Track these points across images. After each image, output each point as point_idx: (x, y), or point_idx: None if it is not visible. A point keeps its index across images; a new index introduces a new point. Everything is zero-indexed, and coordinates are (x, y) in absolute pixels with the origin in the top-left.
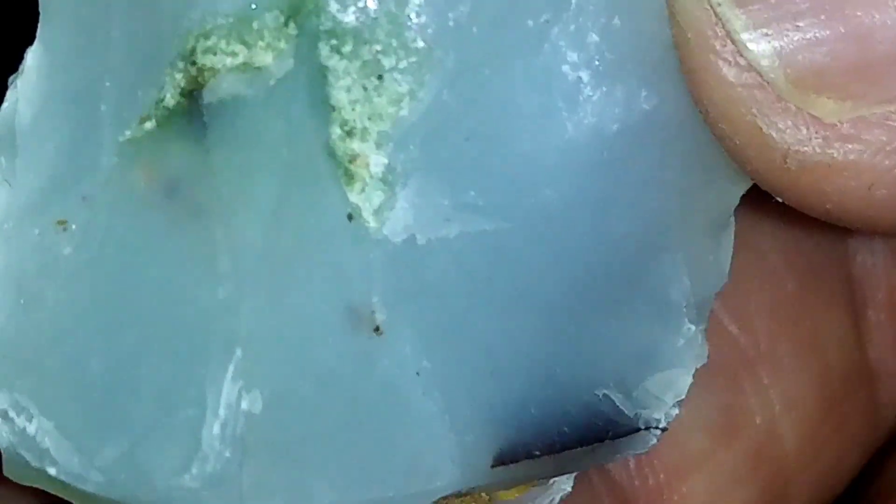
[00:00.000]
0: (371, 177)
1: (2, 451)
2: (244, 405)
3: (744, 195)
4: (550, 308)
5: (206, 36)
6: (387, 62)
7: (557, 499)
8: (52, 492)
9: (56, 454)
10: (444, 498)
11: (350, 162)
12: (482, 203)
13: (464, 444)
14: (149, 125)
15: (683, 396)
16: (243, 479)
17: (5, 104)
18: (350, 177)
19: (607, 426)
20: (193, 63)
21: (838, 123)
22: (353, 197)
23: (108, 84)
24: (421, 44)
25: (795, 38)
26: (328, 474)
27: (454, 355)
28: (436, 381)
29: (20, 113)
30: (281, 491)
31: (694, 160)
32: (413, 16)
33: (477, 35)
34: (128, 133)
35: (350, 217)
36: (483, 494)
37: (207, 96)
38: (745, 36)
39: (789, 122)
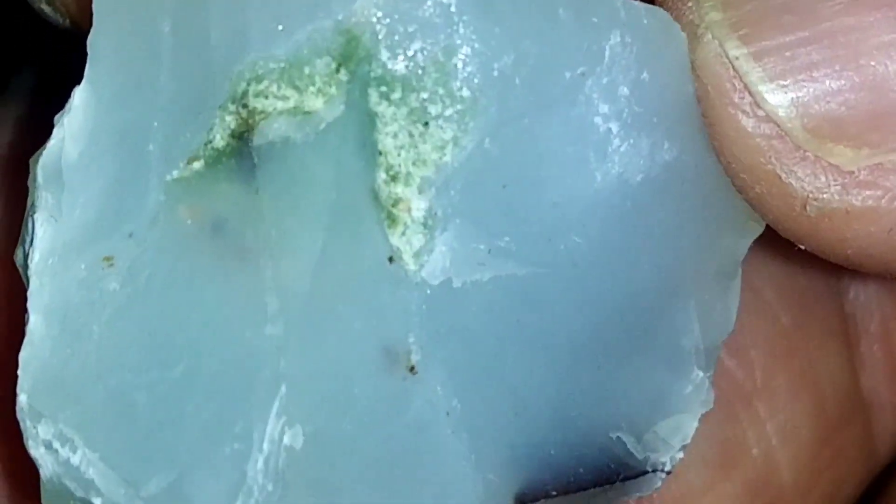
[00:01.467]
0: (412, 220)
1: (43, 482)
2: (286, 440)
3: None
4: (573, 352)
5: (259, 80)
6: (433, 109)
7: None
8: None
9: (101, 485)
10: None
11: (393, 206)
12: (515, 248)
13: (487, 483)
14: (197, 165)
15: (689, 441)
16: None
17: (52, 141)
18: (392, 220)
19: (619, 468)
20: (245, 106)
21: (856, 170)
22: (395, 240)
23: (155, 124)
24: (466, 92)
25: (811, 89)
26: None
27: (482, 397)
28: (464, 421)
29: (66, 150)
30: None
31: (708, 210)
32: (460, 65)
33: (519, 85)
34: (175, 172)
35: (391, 259)
36: None
37: (257, 139)
38: (762, 88)
39: (808, 171)
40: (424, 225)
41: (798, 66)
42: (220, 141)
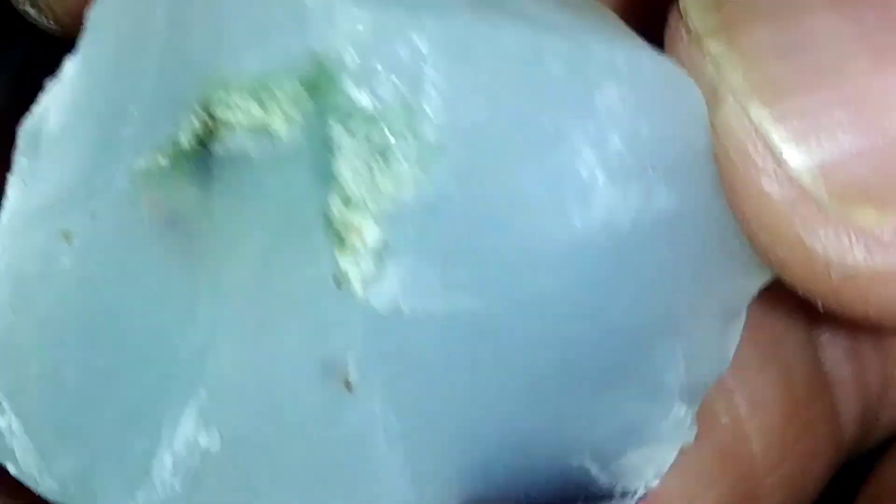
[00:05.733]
0: (364, 248)
1: None
2: (202, 442)
3: None
4: (534, 383)
5: (227, 91)
6: (395, 147)
7: None
8: None
9: (19, 455)
10: None
11: (345, 231)
12: (474, 284)
13: (423, 497)
14: (162, 160)
15: (665, 470)
16: None
17: (38, 107)
18: (342, 245)
19: (579, 491)
20: (210, 114)
21: (880, 232)
22: (343, 264)
23: (133, 110)
24: (431, 133)
25: (836, 152)
26: None
27: (425, 416)
28: (402, 437)
29: (49, 119)
30: None
31: (710, 257)
32: (426, 106)
33: (491, 132)
34: (142, 162)
35: (337, 282)
36: None
37: (219, 148)
38: (785, 150)
39: (832, 234)
40: (376, 254)
41: (822, 129)
42: (184, 142)
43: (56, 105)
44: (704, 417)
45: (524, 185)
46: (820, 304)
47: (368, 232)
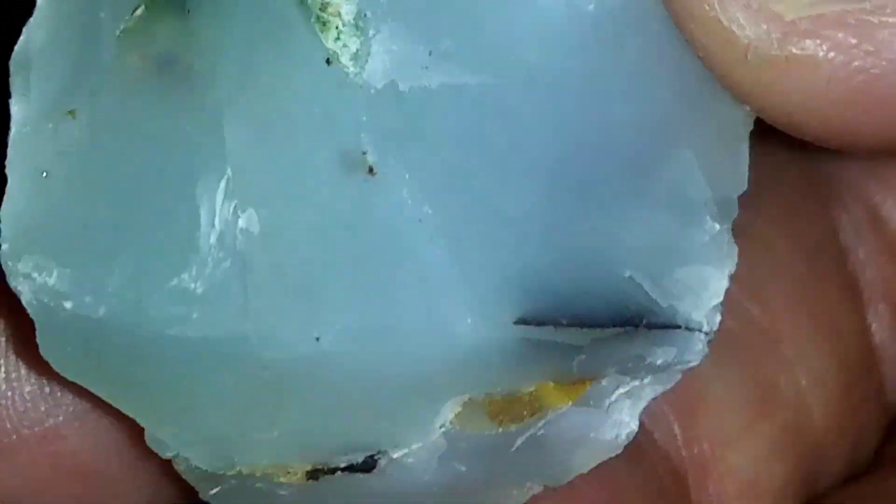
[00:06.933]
0: (344, 24)
1: (35, 323)
2: (241, 223)
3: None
4: (555, 175)
5: None
6: None
7: (623, 435)
8: (96, 391)
9: (71, 292)
10: (485, 397)
11: (321, 9)
12: (459, 53)
13: (481, 298)
14: (139, 11)
15: (721, 299)
16: (248, 298)
17: (21, 39)
18: (323, 23)
19: (640, 311)
20: None
21: (797, 20)
22: (330, 44)
23: None
24: None
25: None
26: (336, 309)
27: (457, 205)
28: (441, 229)
29: (33, 40)
30: (288, 319)
31: (692, 67)
32: None
33: None
34: (122, 25)
35: (328, 62)
36: (527, 396)
37: None
38: None
39: (750, 18)
40: (356, 27)
41: None
42: None
43: (36, 28)
44: (770, 389)
45: None
46: (745, 102)
47: (344, 7)
